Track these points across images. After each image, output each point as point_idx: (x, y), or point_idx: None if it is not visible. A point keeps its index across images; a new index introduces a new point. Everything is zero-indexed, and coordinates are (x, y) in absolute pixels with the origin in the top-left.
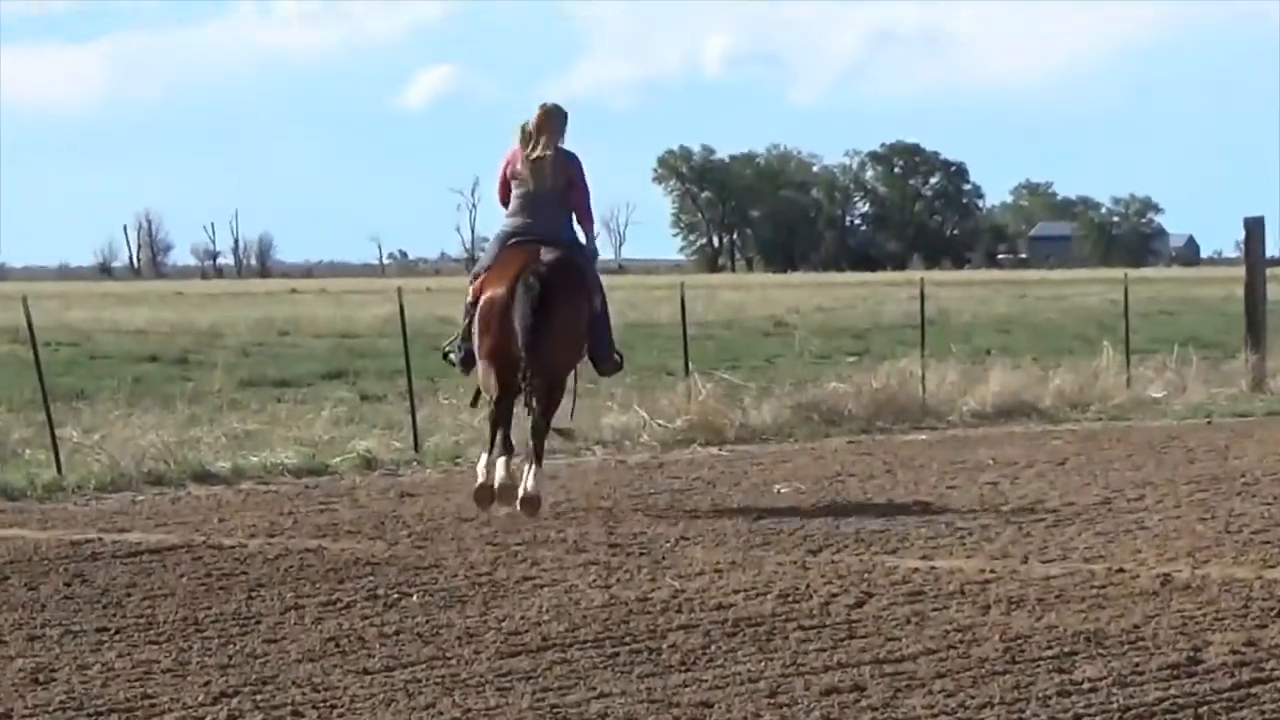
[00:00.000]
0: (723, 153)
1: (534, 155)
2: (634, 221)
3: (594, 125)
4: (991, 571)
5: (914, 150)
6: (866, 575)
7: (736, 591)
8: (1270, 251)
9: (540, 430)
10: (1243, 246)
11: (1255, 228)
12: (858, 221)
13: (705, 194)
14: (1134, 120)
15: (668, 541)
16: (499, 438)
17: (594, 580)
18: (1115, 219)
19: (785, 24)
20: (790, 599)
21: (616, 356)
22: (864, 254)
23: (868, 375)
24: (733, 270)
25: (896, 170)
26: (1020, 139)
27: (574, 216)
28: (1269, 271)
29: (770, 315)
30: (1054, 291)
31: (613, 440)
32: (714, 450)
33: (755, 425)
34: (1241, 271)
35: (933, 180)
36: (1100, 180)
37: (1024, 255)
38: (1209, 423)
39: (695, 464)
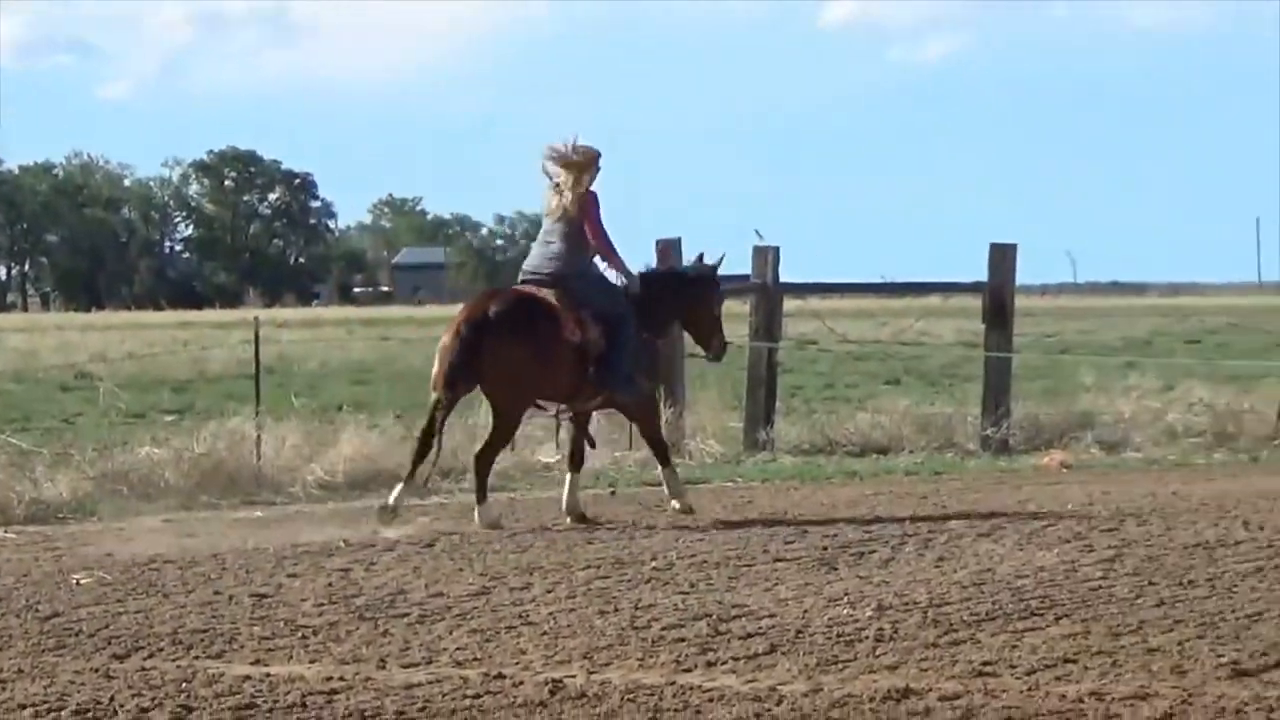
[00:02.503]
0: (10, 163)
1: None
2: None
3: None
4: (340, 679)
5: (249, 159)
6: (185, 685)
7: (24, 706)
8: None
9: (477, 463)
10: None
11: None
12: (179, 248)
13: None
14: (521, 122)
15: None
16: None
17: None
18: (500, 242)
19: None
20: (90, 714)
21: (635, 382)
22: (188, 287)
23: (190, 438)
24: (24, 309)
25: (228, 184)
26: (380, 147)
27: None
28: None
29: (70, 364)
30: (423, 333)
31: None
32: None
33: (50, 500)
34: None
35: (272, 196)
36: (479, 197)
37: (386, 288)
38: (613, 493)
39: None
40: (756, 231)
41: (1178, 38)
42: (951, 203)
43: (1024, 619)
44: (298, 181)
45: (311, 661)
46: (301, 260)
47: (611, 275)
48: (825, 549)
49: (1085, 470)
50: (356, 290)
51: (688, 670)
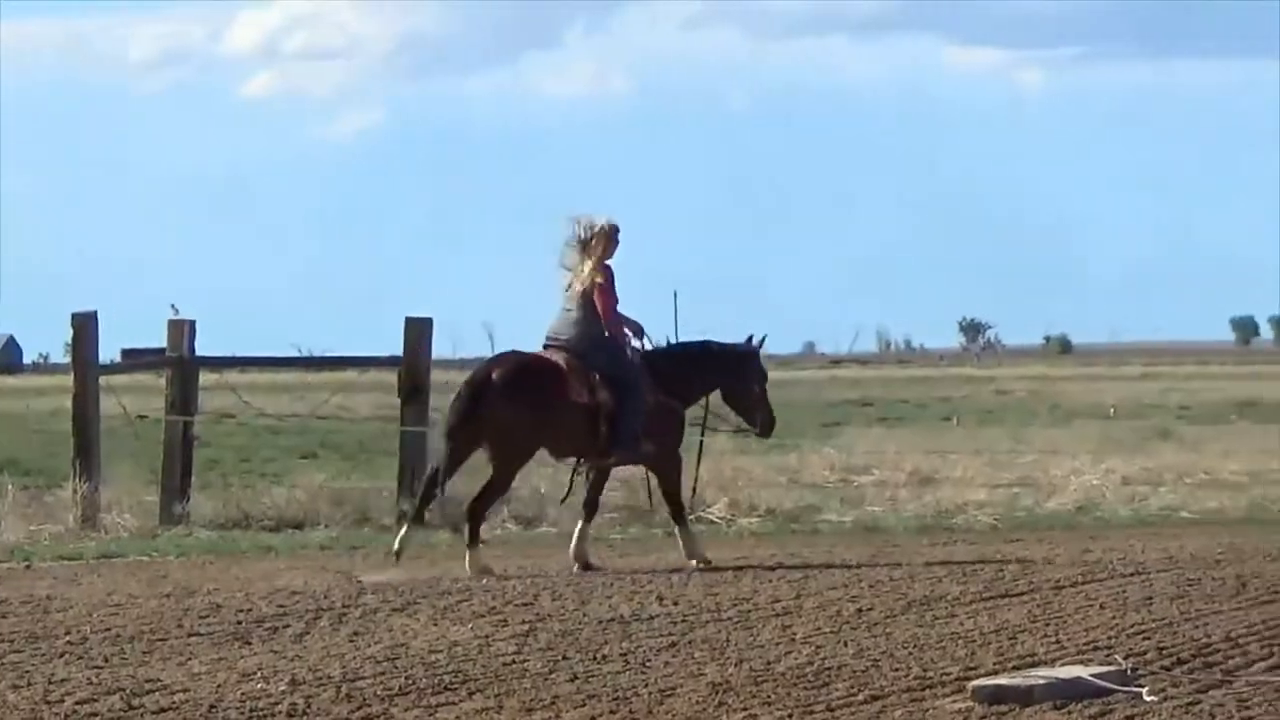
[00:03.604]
0: None
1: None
2: None
3: None
4: None
5: None
6: None
7: None
8: (107, 355)
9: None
10: (70, 349)
11: (85, 325)
12: None
13: None
14: None
15: None
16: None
17: None
18: None
19: None
20: None
21: (642, 444)
22: None
23: None
24: None
25: None
26: None
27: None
28: (105, 379)
29: None
30: None
31: None
32: None
33: None
34: (70, 380)
35: None
36: None
37: None
38: (28, 567)
39: None
40: (173, 306)
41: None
42: (367, 275)
43: (438, 694)
44: None
45: None
46: None
47: (633, 342)
48: (239, 623)
49: (501, 545)
50: None
51: None
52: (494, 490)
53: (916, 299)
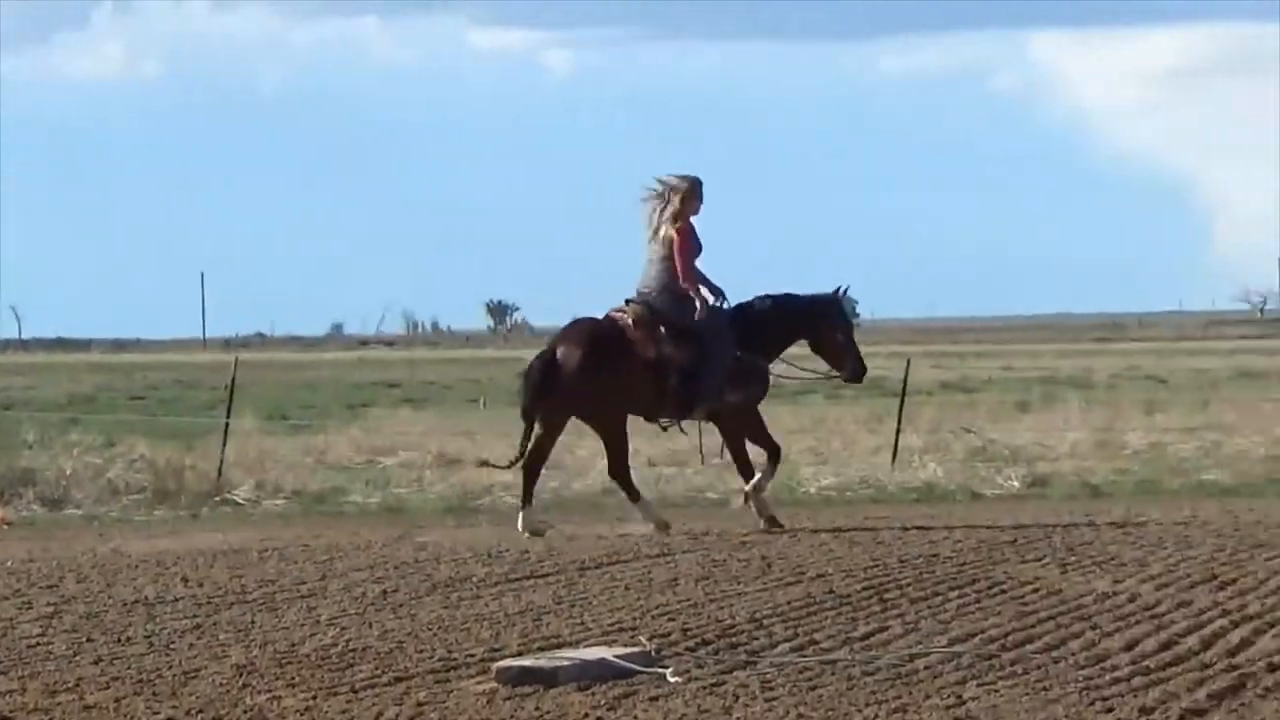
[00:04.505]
0: None
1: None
2: None
3: None
4: None
5: None
6: None
7: None
8: None
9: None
10: None
11: None
12: None
13: None
14: None
15: None
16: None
17: None
18: None
19: None
20: None
21: (720, 398)
22: None
23: None
24: None
25: None
26: None
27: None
28: None
29: None
30: None
31: None
32: None
33: None
34: None
35: None
36: None
37: None
38: None
39: None
40: None
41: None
42: None
43: None
44: None
45: None
46: None
47: (709, 296)
48: None
49: (26, 527)
50: None
51: None
52: (614, 453)
53: (442, 281)
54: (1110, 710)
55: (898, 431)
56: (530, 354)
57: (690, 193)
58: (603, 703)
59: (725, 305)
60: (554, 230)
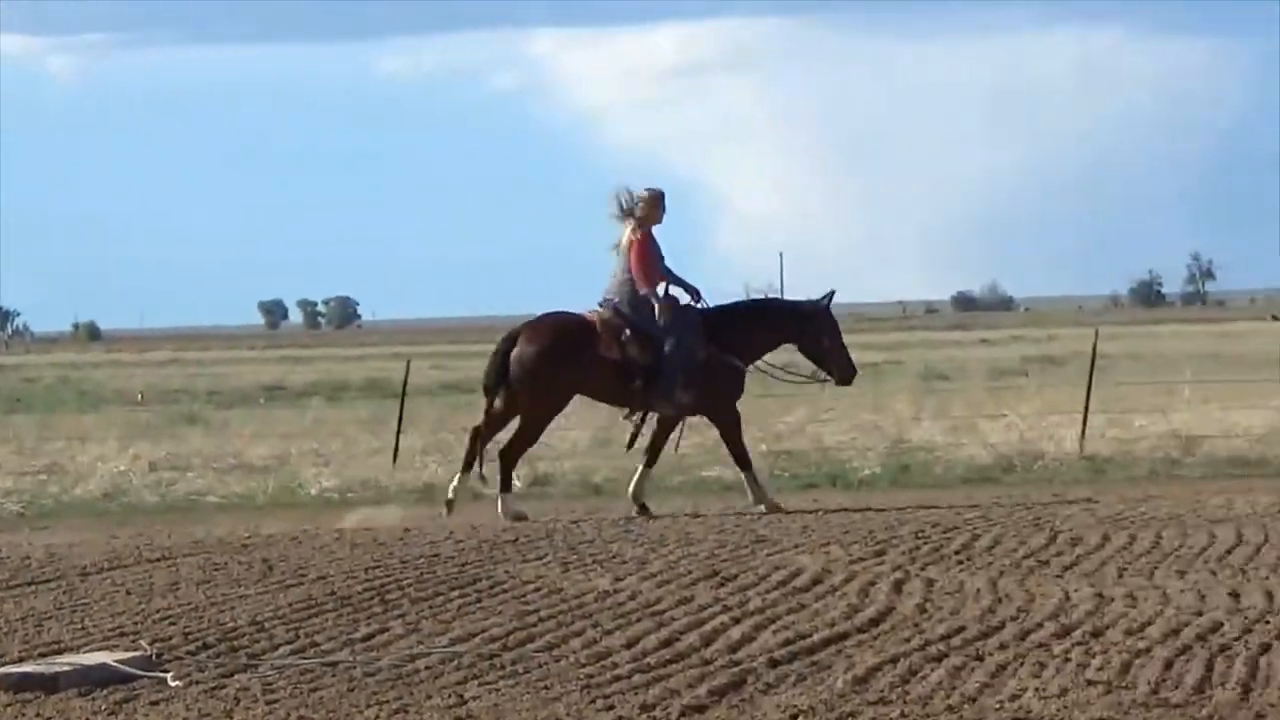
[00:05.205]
0: None
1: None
2: None
3: None
4: None
5: None
6: None
7: None
8: None
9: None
10: None
11: None
12: None
13: None
14: None
15: None
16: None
17: None
18: None
19: None
20: None
21: (675, 399)
22: None
23: None
24: None
25: None
26: None
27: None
28: None
29: None
30: None
31: None
32: None
33: None
34: None
35: None
36: None
37: None
38: None
39: None
40: None
41: None
42: None
43: None
44: None
45: None
46: None
47: (683, 300)
48: None
49: None
50: None
51: None
52: (523, 439)
53: None
54: (611, 708)
55: (398, 433)
56: (31, 359)
57: (653, 203)
58: (104, 708)
59: (703, 305)
60: (57, 236)
